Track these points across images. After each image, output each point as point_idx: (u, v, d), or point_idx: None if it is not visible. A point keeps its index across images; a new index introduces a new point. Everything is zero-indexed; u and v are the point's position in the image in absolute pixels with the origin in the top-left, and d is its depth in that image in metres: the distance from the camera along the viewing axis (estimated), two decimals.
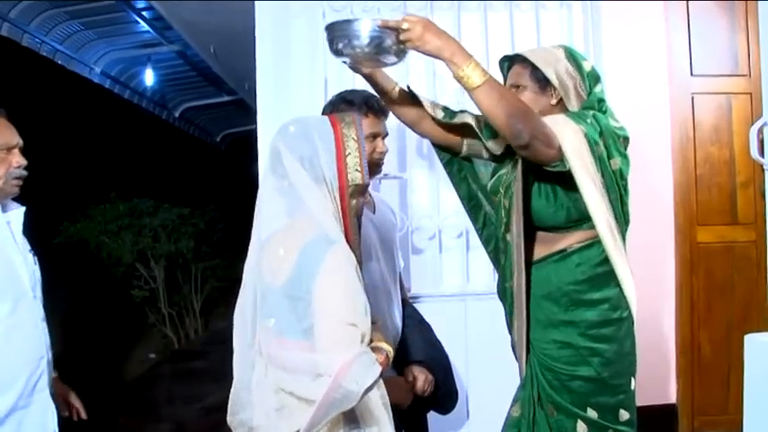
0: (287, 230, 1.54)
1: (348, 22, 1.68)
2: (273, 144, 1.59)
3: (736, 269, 3.30)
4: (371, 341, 1.48)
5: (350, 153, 1.56)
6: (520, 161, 1.85)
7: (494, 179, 2.01)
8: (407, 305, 2.35)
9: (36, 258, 2.10)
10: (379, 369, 1.43)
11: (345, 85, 2.69)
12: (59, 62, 7.07)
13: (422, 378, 2.09)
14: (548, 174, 1.82)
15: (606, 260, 1.87)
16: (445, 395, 2.22)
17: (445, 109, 1.99)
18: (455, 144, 2.04)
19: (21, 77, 6.22)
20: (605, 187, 1.81)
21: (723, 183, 3.32)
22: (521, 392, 1.98)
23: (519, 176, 1.87)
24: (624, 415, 1.89)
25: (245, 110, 9.78)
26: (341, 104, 2.08)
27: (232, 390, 1.61)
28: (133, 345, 6.57)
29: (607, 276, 1.88)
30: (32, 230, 2.12)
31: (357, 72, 1.94)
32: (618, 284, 1.89)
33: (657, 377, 3.29)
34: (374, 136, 2.06)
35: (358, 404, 1.40)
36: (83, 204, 6.36)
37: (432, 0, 3.10)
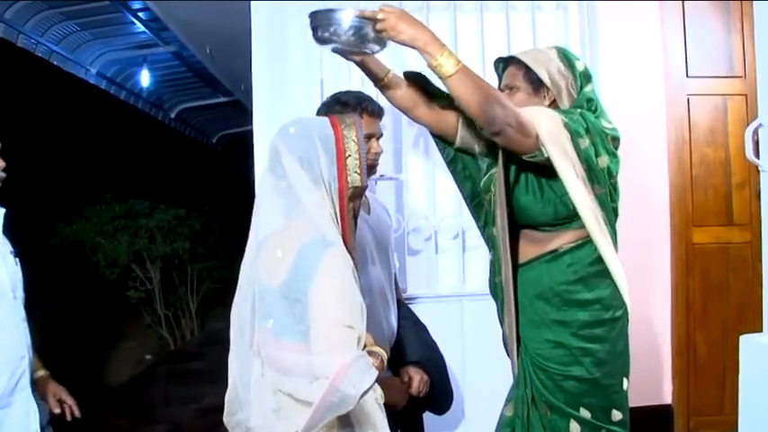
0: (284, 231, 1.53)
1: (331, 11, 1.73)
2: (273, 144, 1.59)
3: (731, 270, 3.31)
4: (365, 346, 1.48)
5: (350, 155, 1.56)
6: (500, 152, 1.86)
7: (486, 177, 2.02)
8: (402, 306, 2.35)
9: (17, 260, 2.09)
10: (375, 373, 1.43)
11: (341, 86, 2.69)
12: (55, 63, 7.05)
13: (417, 378, 2.09)
14: (534, 168, 1.85)
15: (598, 260, 1.88)
16: (441, 396, 2.22)
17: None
18: (449, 133, 2.03)
19: (16, 78, 6.21)
20: (592, 181, 1.82)
21: (719, 184, 3.33)
22: (513, 392, 2.00)
23: (500, 167, 1.89)
24: (617, 415, 1.90)
25: (241, 111, 9.78)
26: (335, 105, 2.07)
27: (229, 389, 1.61)
28: (129, 346, 6.56)
29: (599, 276, 1.89)
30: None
31: (348, 59, 1.95)
32: (610, 285, 1.90)
33: (653, 378, 3.29)
34: (369, 137, 2.05)
35: (353, 407, 1.40)
36: (78, 205, 6.35)
37: (428, 0, 3.10)
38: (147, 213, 6.53)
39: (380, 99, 2.25)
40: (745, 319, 3.18)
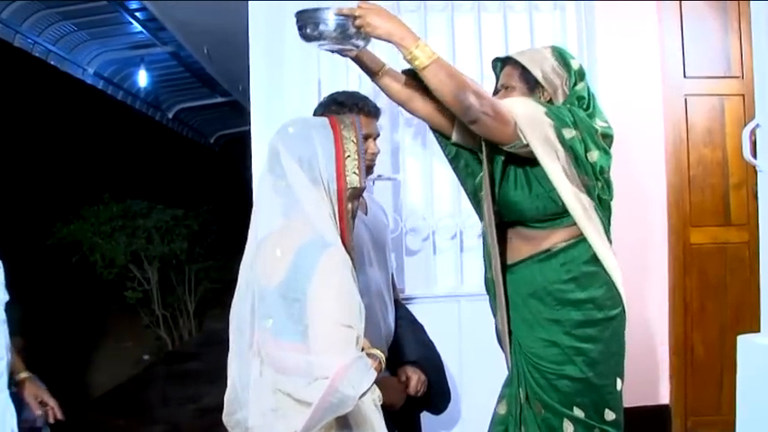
0: (283, 231, 1.53)
1: (315, 10, 1.80)
2: (272, 144, 1.59)
3: (729, 270, 3.31)
4: (362, 348, 1.48)
5: (349, 156, 1.56)
6: (484, 145, 1.88)
7: (479, 176, 2.02)
8: (400, 306, 2.35)
9: (0, 261, 2.07)
10: (374, 374, 1.44)
11: (339, 86, 2.68)
12: (52, 63, 7.02)
13: (415, 378, 2.09)
14: (521, 163, 1.88)
15: (592, 259, 1.89)
16: (438, 395, 2.22)
17: None
18: (446, 126, 2.04)
19: (13, 78, 6.20)
20: (579, 170, 1.83)
21: (716, 184, 3.33)
22: (506, 389, 2.01)
23: (485, 161, 1.91)
24: (610, 415, 1.91)
25: (238, 111, 9.76)
26: (332, 106, 2.07)
27: (228, 389, 1.61)
28: (127, 346, 6.55)
29: (593, 276, 1.90)
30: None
31: (343, 56, 1.97)
32: (603, 285, 1.91)
33: (650, 378, 3.29)
34: (366, 137, 2.05)
35: (352, 409, 1.40)
36: (76, 205, 6.34)
37: (425, 0, 3.10)
38: (144, 214, 6.52)
39: (378, 99, 2.25)
40: (743, 320, 3.18)
